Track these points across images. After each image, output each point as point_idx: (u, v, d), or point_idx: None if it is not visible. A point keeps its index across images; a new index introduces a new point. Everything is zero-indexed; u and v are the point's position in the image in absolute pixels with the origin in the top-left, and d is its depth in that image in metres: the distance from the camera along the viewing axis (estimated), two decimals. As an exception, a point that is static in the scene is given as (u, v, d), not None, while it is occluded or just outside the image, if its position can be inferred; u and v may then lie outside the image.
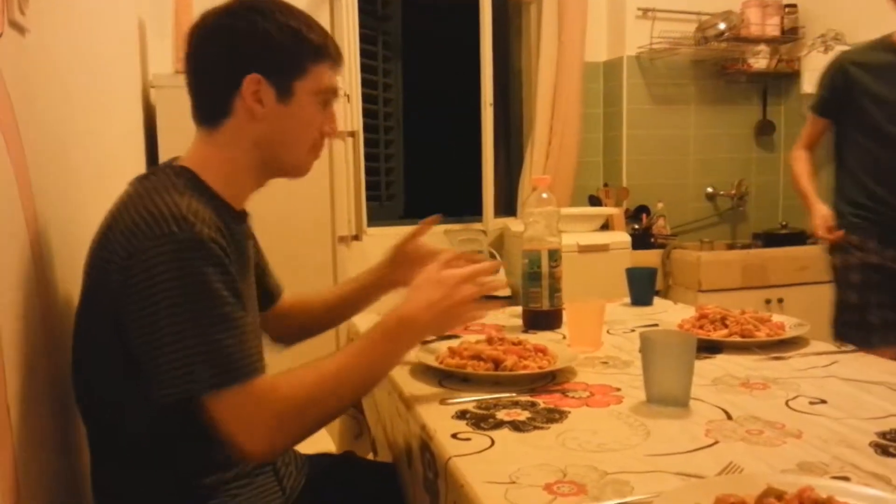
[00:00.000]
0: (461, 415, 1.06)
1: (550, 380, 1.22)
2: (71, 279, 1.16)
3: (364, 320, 1.55)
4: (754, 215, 3.96)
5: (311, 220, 2.54)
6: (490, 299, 1.39)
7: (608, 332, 1.55)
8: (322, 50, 1.12)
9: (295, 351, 1.43)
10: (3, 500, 0.81)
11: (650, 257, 3.41)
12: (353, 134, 2.69)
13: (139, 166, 2.19)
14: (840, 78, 2.23)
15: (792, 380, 1.21)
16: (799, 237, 3.65)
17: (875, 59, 2.20)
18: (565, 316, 1.59)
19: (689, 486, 0.80)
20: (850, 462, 0.87)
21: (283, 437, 1.01)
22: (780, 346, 1.41)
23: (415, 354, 1.25)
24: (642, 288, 1.87)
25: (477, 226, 3.60)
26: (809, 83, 3.50)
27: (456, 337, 1.46)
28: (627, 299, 1.88)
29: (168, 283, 0.93)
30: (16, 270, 0.94)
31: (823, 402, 1.10)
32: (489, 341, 1.33)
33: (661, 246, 3.55)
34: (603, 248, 3.25)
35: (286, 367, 1.04)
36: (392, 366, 1.13)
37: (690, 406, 1.07)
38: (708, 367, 1.28)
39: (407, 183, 3.86)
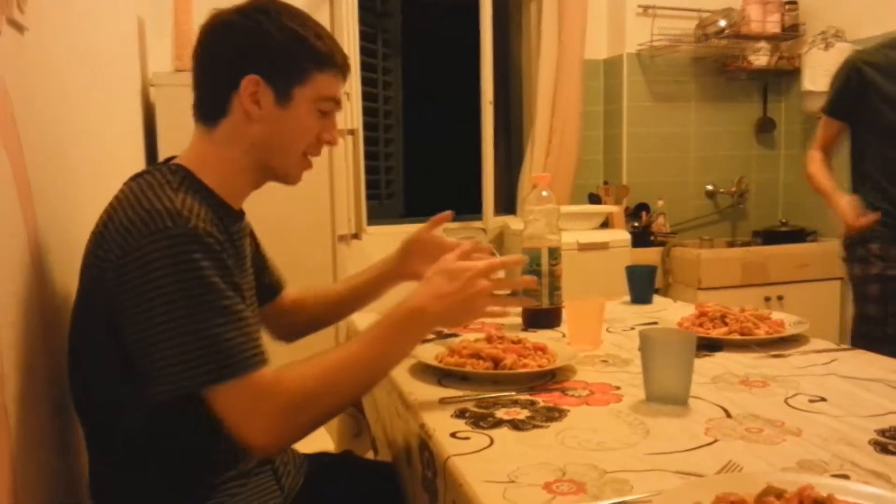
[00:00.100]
0: (460, 413, 1.06)
1: (550, 378, 1.22)
2: (69, 279, 1.16)
3: (363, 319, 1.55)
4: (754, 213, 3.96)
5: (310, 218, 2.53)
6: (513, 296, 1.38)
7: (608, 330, 1.55)
8: (327, 58, 1.11)
9: (295, 345, 1.43)
10: (1, 501, 0.81)
11: (650, 255, 3.41)
12: (352, 132, 2.69)
13: (138, 165, 2.19)
14: (854, 77, 2.16)
15: (791, 378, 1.21)
16: (799, 234, 3.65)
17: (887, 58, 2.13)
18: (565, 314, 1.59)
19: (689, 484, 0.80)
20: (849, 460, 0.87)
21: (290, 430, 1.00)
22: (780, 343, 1.41)
23: (414, 352, 1.25)
24: (642, 286, 1.87)
25: (477, 224, 3.60)
26: (810, 80, 3.50)
27: (454, 336, 1.46)
28: (627, 297, 1.88)
29: (164, 278, 0.93)
30: (14, 270, 0.94)
31: (823, 399, 1.10)
32: (488, 339, 1.33)
33: (661, 244, 3.55)
34: (603, 246, 3.24)
35: (288, 360, 1.04)
36: (401, 357, 1.11)
37: (690, 404, 1.07)
38: (707, 365, 1.27)
39: (407, 181, 3.86)
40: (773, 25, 3.68)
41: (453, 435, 0.97)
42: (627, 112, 3.73)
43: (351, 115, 3.12)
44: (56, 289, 1.14)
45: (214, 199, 1.08)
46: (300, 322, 1.44)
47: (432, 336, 1.36)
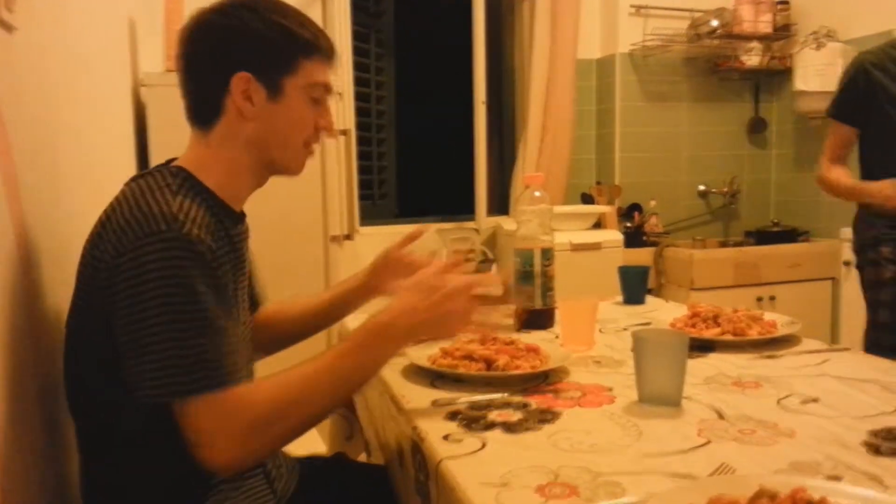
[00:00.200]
0: (453, 416, 1.05)
1: (543, 380, 1.22)
2: (59, 279, 1.15)
3: (357, 321, 1.54)
4: (746, 213, 3.97)
5: (303, 219, 2.53)
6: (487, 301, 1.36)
7: (600, 330, 1.55)
8: (313, 45, 1.11)
9: (287, 351, 1.42)
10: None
11: (643, 255, 3.41)
12: (345, 132, 2.68)
13: (129, 165, 2.18)
14: (862, 78, 2.10)
15: (784, 378, 1.21)
16: (790, 235, 3.67)
17: (891, 58, 2.08)
18: (558, 315, 1.58)
19: (682, 487, 0.80)
20: (842, 461, 0.87)
21: (251, 450, 0.98)
22: (773, 344, 1.41)
23: (407, 355, 1.24)
24: (634, 286, 1.87)
25: (469, 224, 3.59)
26: (802, 80, 3.51)
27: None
28: (620, 298, 1.88)
29: (153, 282, 0.93)
30: (2, 271, 0.93)
31: (815, 400, 1.10)
32: (481, 341, 1.33)
33: (654, 244, 3.55)
34: (595, 247, 3.25)
35: (277, 366, 1.03)
36: (371, 373, 1.09)
37: (683, 405, 1.07)
38: (700, 366, 1.27)
39: (399, 182, 3.85)
40: (765, 25, 3.69)
41: (446, 437, 0.97)
42: (620, 112, 3.73)
43: (344, 115, 3.11)
44: (45, 290, 1.13)
45: (216, 202, 1.07)
46: (273, 337, 1.40)
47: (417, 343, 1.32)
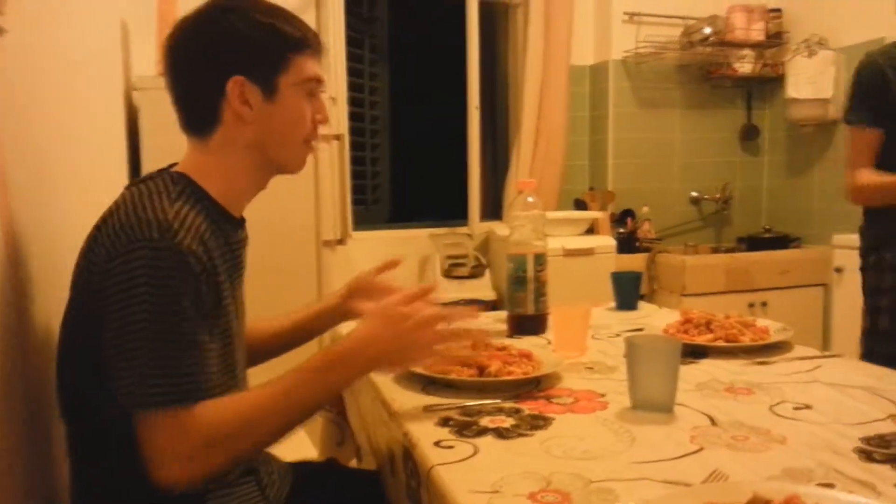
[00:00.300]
0: (444, 422, 1.05)
1: (535, 386, 1.21)
2: (48, 282, 1.15)
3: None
4: (738, 219, 3.98)
5: (295, 224, 2.52)
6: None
7: (593, 336, 1.55)
8: (301, 41, 1.11)
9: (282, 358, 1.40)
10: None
11: (635, 261, 3.42)
12: (338, 137, 2.68)
13: (121, 169, 2.17)
14: (878, 78, 1.96)
15: (776, 385, 1.21)
16: (782, 241, 3.68)
17: None
18: (550, 320, 1.58)
19: (675, 494, 0.80)
20: (834, 468, 0.87)
21: (201, 469, 0.97)
22: (765, 350, 1.41)
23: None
24: (627, 292, 1.86)
25: (462, 230, 3.59)
26: (794, 87, 3.53)
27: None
28: (612, 303, 1.88)
29: (141, 287, 0.92)
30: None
31: (808, 407, 1.10)
32: (474, 346, 1.32)
33: (646, 250, 3.56)
34: (588, 252, 3.25)
35: (280, 366, 1.02)
36: (328, 400, 1.08)
37: (675, 412, 1.07)
38: (693, 372, 1.27)
39: (393, 187, 3.85)
40: (757, 33, 3.71)
41: (437, 444, 0.96)
42: (613, 118, 3.75)
43: (337, 120, 3.11)
44: (34, 293, 1.12)
45: (216, 208, 1.07)
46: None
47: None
